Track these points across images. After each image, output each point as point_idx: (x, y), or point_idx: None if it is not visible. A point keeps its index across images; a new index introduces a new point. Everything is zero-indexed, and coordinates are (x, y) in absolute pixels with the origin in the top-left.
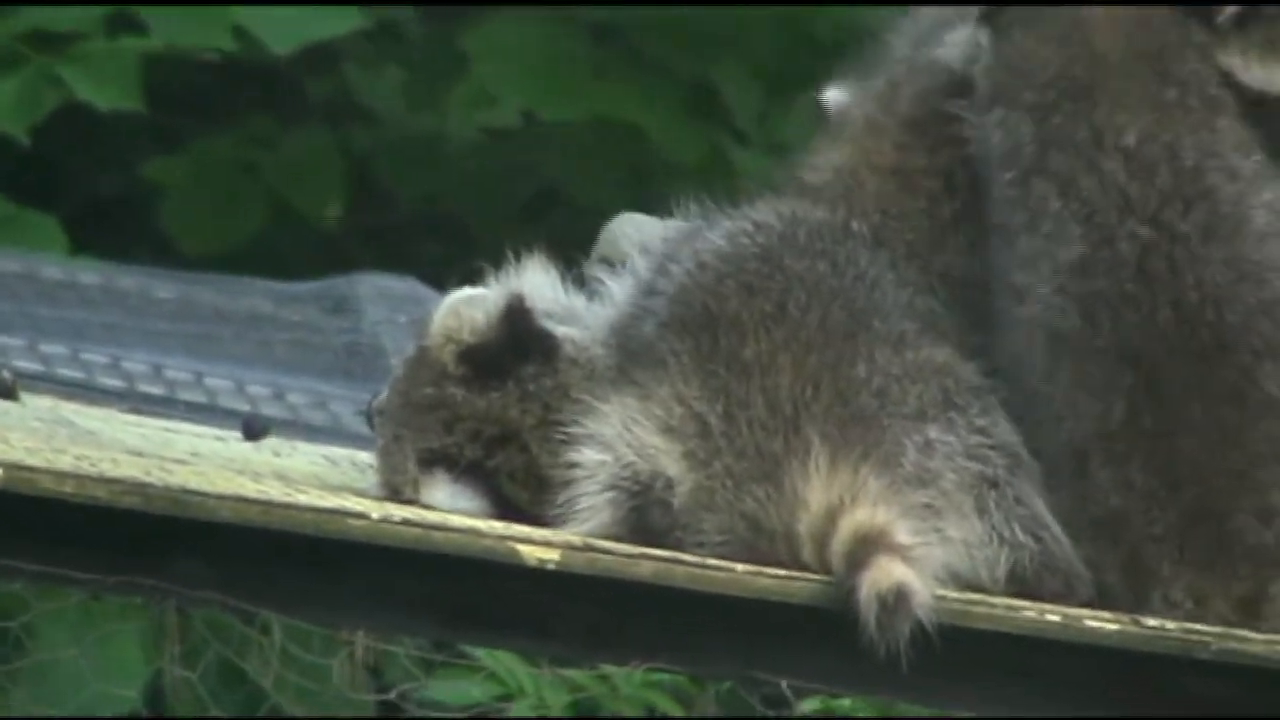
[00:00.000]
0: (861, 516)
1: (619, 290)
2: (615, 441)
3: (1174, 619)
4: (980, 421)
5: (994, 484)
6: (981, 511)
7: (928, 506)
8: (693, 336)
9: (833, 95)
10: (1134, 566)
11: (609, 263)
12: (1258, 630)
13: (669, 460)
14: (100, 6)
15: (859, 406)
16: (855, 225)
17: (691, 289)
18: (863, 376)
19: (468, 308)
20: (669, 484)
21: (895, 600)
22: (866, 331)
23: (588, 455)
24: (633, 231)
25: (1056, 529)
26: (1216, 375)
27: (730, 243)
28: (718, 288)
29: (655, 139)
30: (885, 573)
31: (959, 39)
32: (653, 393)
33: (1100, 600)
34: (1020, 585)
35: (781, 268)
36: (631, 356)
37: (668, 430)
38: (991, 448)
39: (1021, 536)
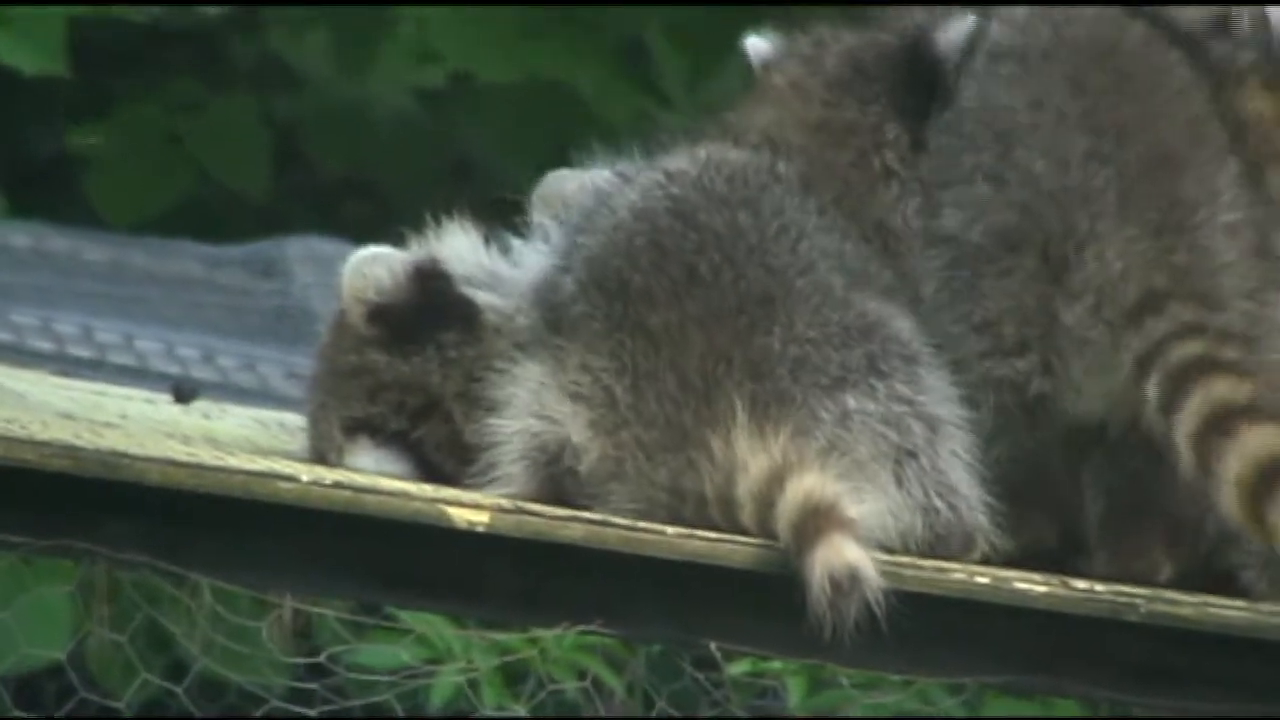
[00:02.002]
0: (810, 483)
1: (541, 252)
2: (527, 408)
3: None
4: (904, 390)
5: (913, 454)
6: (900, 481)
7: (846, 477)
8: (606, 302)
9: (754, 44)
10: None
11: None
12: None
13: (575, 426)
14: None
15: (774, 380)
16: (782, 168)
17: (608, 250)
18: (777, 349)
19: (370, 266)
20: (575, 451)
21: (849, 583)
22: (787, 293)
23: (502, 422)
24: (565, 189)
25: (972, 495)
26: None
27: (644, 198)
28: (629, 249)
29: (587, 98)
30: (838, 552)
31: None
32: (565, 360)
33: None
34: (926, 547)
35: (695, 224)
36: (553, 311)
37: (575, 397)
38: (915, 416)
39: (937, 503)
